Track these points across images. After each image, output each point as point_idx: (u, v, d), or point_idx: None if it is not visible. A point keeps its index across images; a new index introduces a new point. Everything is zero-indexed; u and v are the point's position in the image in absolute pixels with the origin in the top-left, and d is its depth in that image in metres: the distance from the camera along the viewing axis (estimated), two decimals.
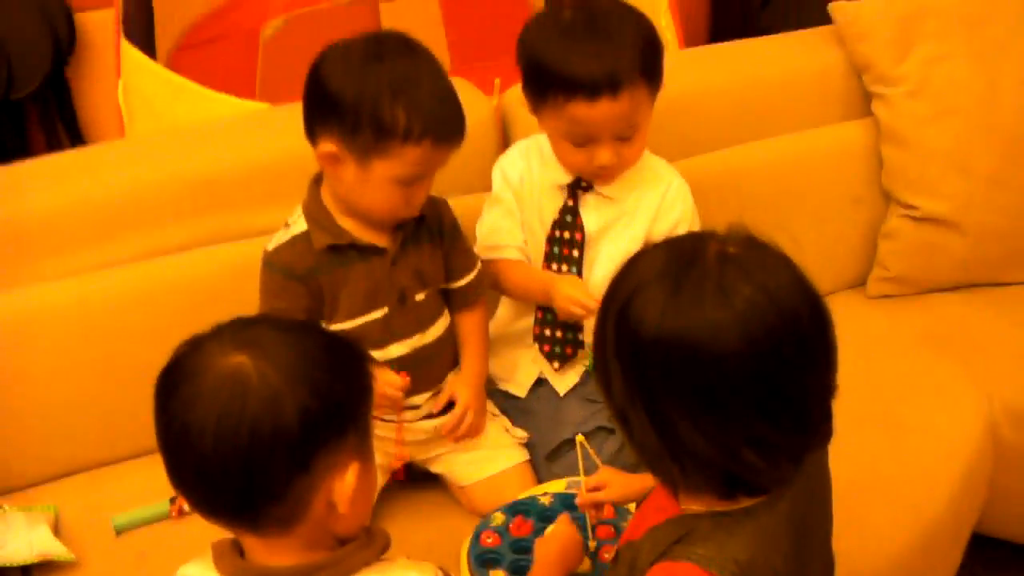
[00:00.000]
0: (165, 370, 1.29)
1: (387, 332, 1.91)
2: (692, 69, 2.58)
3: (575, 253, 2.07)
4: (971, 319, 2.46)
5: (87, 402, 2.11)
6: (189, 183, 2.17)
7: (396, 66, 1.76)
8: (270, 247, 1.89)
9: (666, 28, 2.98)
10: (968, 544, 2.24)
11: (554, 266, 2.06)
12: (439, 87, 1.79)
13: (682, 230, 2.07)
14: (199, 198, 2.17)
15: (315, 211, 1.88)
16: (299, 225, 1.88)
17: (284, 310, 1.86)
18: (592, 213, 2.08)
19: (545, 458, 2.06)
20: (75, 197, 2.14)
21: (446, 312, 2.01)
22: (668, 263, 1.22)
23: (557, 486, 1.92)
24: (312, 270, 1.86)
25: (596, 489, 1.73)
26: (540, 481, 2.02)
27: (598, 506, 1.76)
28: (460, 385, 2.00)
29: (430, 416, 2.00)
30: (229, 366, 1.22)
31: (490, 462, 2.02)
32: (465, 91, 2.24)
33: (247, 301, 2.09)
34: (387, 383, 1.83)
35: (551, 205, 2.08)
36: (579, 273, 2.08)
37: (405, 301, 1.92)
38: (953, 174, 2.48)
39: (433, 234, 1.95)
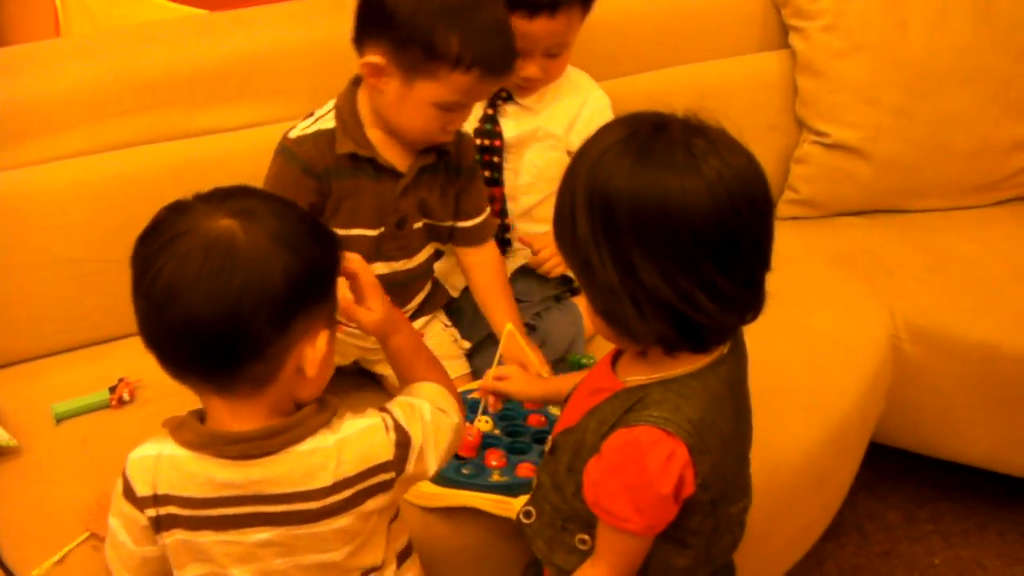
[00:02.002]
0: (149, 228, 1.31)
1: (376, 250, 1.91)
2: None
3: (495, 159, 2.16)
4: (875, 242, 2.58)
5: (26, 295, 2.12)
6: (130, 82, 2.16)
7: None
8: (292, 134, 1.85)
9: None
10: (865, 452, 2.36)
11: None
12: (496, 19, 1.76)
13: None
14: (140, 97, 2.17)
15: (347, 114, 1.84)
16: (327, 121, 1.85)
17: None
18: (511, 121, 2.16)
19: (466, 354, 2.12)
20: (14, 93, 2.12)
21: (432, 242, 2.02)
22: (635, 129, 1.30)
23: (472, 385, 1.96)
24: (328, 170, 1.84)
25: (500, 379, 1.78)
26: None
27: (497, 395, 1.80)
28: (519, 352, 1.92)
29: None
30: (218, 227, 1.26)
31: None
32: None
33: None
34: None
35: (474, 114, 2.11)
36: (499, 178, 2.16)
37: (403, 227, 1.92)
38: (863, 105, 2.59)
39: (451, 170, 1.94)
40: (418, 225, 1.94)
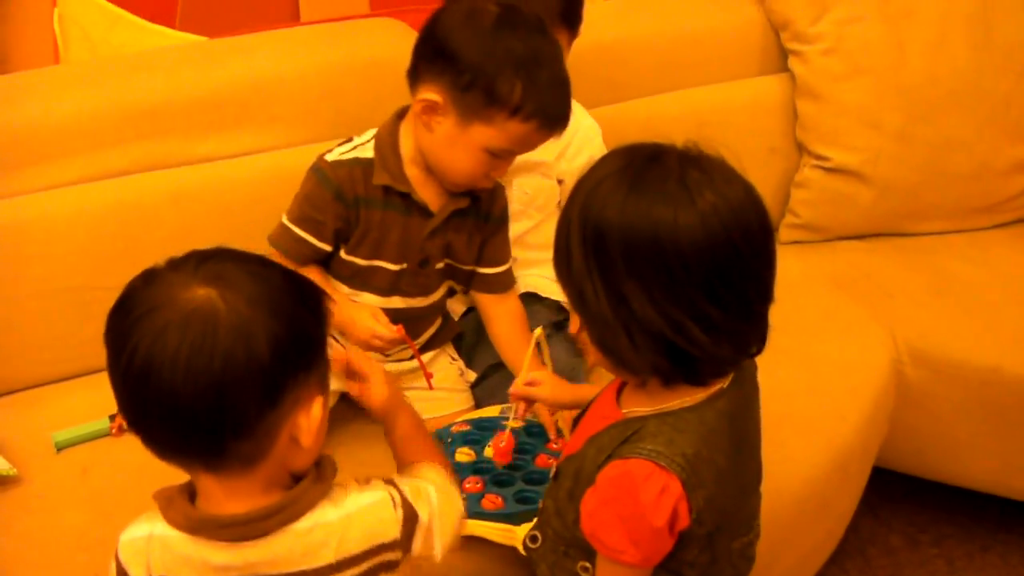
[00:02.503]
0: (120, 303, 1.22)
1: (394, 285, 1.92)
2: (618, 18, 2.65)
3: None
4: (876, 266, 2.58)
5: (25, 323, 2.11)
6: (128, 110, 2.16)
7: (528, 41, 1.71)
8: (329, 157, 1.84)
9: None
10: (869, 476, 2.35)
11: None
12: (559, 73, 1.75)
13: None
14: (140, 125, 2.16)
15: (387, 147, 1.84)
16: (366, 150, 1.84)
17: (318, 222, 1.84)
18: None
19: (471, 385, 2.12)
20: (12, 120, 2.12)
21: (448, 281, 2.02)
22: (631, 160, 1.30)
23: (491, 411, 1.96)
24: (359, 199, 1.83)
25: (531, 384, 1.77)
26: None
27: (528, 401, 1.79)
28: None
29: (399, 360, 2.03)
30: (196, 299, 1.17)
31: (439, 403, 2.04)
32: (395, 31, 2.28)
33: (185, 226, 2.16)
34: (379, 336, 1.80)
35: None
36: None
37: (425, 266, 1.92)
38: (863, 129, 2.60)
39: (479, 217, 1.94)
40: (440, 266, 1.94)
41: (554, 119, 1.75)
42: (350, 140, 1.87)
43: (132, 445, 1.90)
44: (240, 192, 2.18)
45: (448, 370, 2.11)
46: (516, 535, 1.67)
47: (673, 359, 1.29)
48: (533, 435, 1.87)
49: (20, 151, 2.11)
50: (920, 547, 2.59)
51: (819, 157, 2.63)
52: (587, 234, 1.30)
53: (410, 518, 1.35)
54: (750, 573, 1.53)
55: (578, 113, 2.19)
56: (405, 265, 1.90)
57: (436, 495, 1.41)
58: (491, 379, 2.10)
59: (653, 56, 2.62)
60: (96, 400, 2.05)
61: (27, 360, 2.13)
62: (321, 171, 1.84)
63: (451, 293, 2.12)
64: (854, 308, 2.43)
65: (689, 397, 1.36)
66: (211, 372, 1.14)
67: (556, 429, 1.86)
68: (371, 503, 1.32)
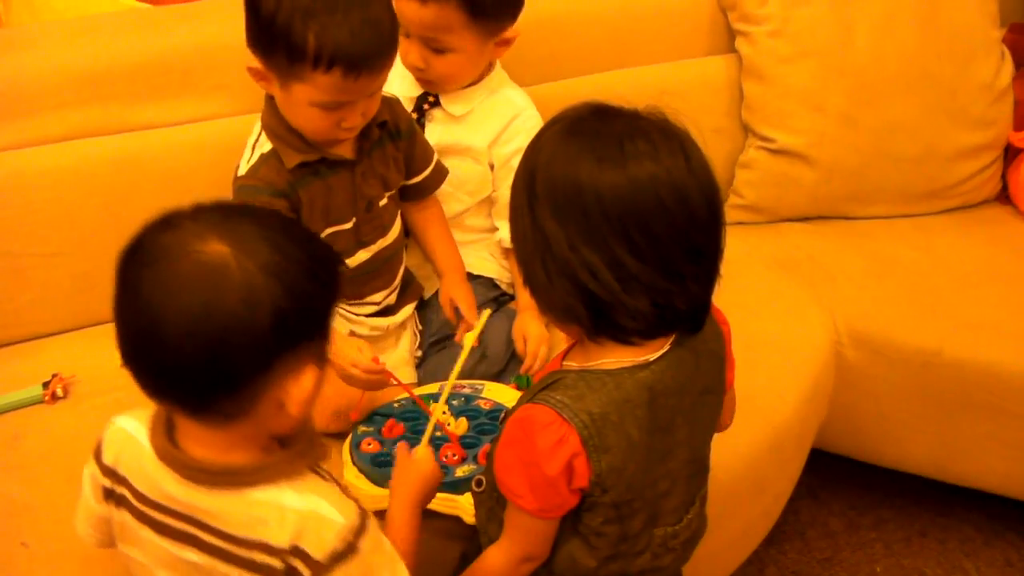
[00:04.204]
0: (135, 245, 1.22)
1: (355, 241, 1.91)
2: None
3: None
4: (819, 248, 2.58)
5: None
6: (70, 75, 2.14)
7: None
8: (242, 172, 1.80)
9: None
10: (807, 458, 2.36)
11: None
12: (358, 12, 1.66)
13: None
14: (81, 90, 2.14)
15: (278, 129, 1.79)
16: (264, 144, 1.80)
17: None
18: (437, 127, 2.14)
19: (416, 364, 2.11)
20: None
21: (399, 211, 2.02)
22: (584, 113, 1.36)
23: (430, 388, 1.93)
24: (292, 184, 1.79)
25: None
26: None
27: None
28: (456, 289, 2.01)
29: (384, 312, 2.04)
30: (209, 254, 1.17)
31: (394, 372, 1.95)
32: None
33: (125, 194, 2.15)
34: (357, 364, 1.73)
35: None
36: None
37: (371, 209, 1.91)
38: (808, 111, 2.60)
39: (394, 136, 1.92)
40: (383, 202, 1.94)
41: (358, 63, 1.66)
42: (246, 147, 1.83)
43: (64, 413, 1.96)
44: (182, 160, 2.17)
45: (409, 343, 2.11)
46: (459, 504, 1.68)
47: (588, 305, 1.30)
48: None
49: None
50: (859, 530, 2.62)
51: (764, 138, 2.63)
52: (523, 172, 1.35)
53: (340, 555, 1.26)
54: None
55: (521, 103, 2.19)
56: (354, 218, 1.89)
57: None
58: (431, 358, 2.10)
59: (599, 32, 2.60)
60: (30, 368, 2.05)
61: None
62: (244, 187, 1.79)
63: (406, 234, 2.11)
64: (796, 289, 2.43)
65: (614, 360, 1.36)
66: (210, 332, 1.16)
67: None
68: (329, 520, 1.26)
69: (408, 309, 2.09)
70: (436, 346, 2.10)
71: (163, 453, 1.28)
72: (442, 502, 1.69)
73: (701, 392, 1.45)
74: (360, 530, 1.27)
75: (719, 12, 2.71)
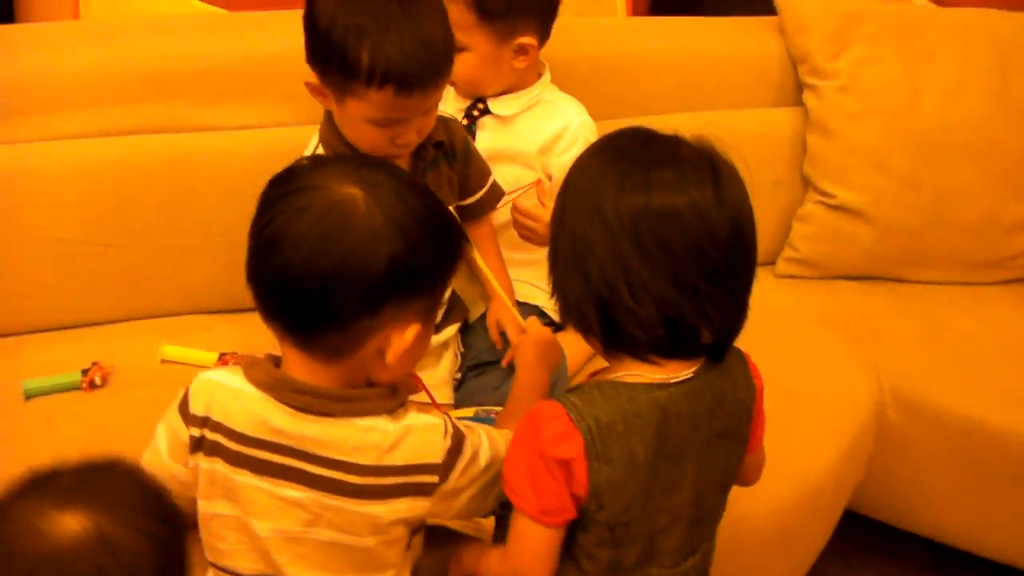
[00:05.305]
0: (283, 173, 1.35)
1: None
2: (637, 35, 2.66)
3: None
4: (870, 308, 2.56)
5: (10, 269, 2.11)
6: (138, 71, 2.16)
7: (374, 2, 1.66)
8: None
9: None
10: (840, 519, 2.33)
11: None
12: (411, 30, 1.65)
13: None
14: (146, 87, 2.17)
15: (334, 142, 1.80)
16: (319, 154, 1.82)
17: None
18: (487, 134, 2.16)
19: (455, 387, 2.10)
20: (21, 69, 2.12)
21: None
22: (627, 137, 1.40)
23: (465, 412, 1.93)
24: None
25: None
26: None
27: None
28: (504, 313, 2.00)
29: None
30: (344, 194, 1.29)
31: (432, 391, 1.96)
32: None
33: (180, 192, 2.17)
34: None
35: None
36: None
37: None
38: (870, 169, 2.58)
39: (449, 157, 1.92)
40: None
41: (410, 81, 1.65)
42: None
43: (100, 401, 1.97)
44: (239, 165, 2.18)
45: (449, 364, 2.10)
46: (483, 527, 1.67)
47: (598, 310, 1.33)
48: None
49: (27, 99, 2.11)
50: None
51: (824, 193, 2.61)
52: (563, 181, 1.40)
53: (455, 450, 1.40)
54: None
55: (570, 110, 2.21)
56: None
57: (488, 447, 1.46)
58: (470, 382, 2.10)
59: (668, 75, 2.61)
60: (72, 354, 2.06)
61: (8, 307, 2.13)
62: None
63: None
64: (842, 346, 2.41)
65: (633, 375, 1.37)
66: (327, 263, 1.26)
67: None
68: (426, 424, 1.39)
69: (452, 329, 2.08)
70: (475, 370, 2.10)
71: (271, 385, 1.35)
72: (466, 524, 1.68)
73: (719, 434, 1.43)
74: (453, 426, 1.41)
75: (789, 64, 2.70)
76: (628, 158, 1.35)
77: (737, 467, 1.52)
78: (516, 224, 2.02)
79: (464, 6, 1.98)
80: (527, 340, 1.71)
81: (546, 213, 1.94)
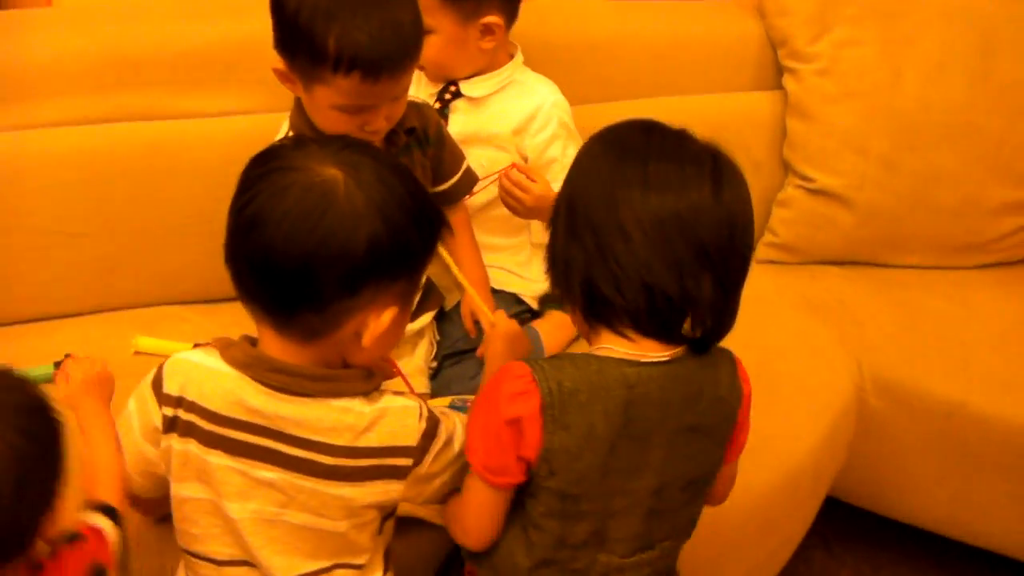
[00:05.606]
0: (265, 152, 1.36)
1: None
2: (616, 18, 2.64)
3: None
4: (850, 293, 2.55)
5: None
6: (113, 58, 2.15)
7: None
8: None
9: None
10: (822, 506, 2.32)
11: None
12: (379, 14, 1.62)
13: (556, 148, 2.16)
14: (122, 73, 2.15)
15: (304, 129, 1.77)
16: None
17: None
18: (460, 117, 2.15)
19: (431, 375, 2.10)
20: None
21: None
22: (633, 128, 1.43)
23: (442, 403, 1.91)
24: None
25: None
26: None
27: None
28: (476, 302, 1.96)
29: None
30: (324, 175, 1.29)
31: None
32: None
33: (155, 180, 2.16)
34: None
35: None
36: None
37: None
38: (850, 152, 2.58)
39: (422, 143, 1.90)
40: None
41: (377, 67, 1.62)
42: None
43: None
44: (215, 151, 2.16)
45: (425, 352, 2.09)
46: None
47: (583, 271, 1.36)
48: None
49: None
50: None
51: (804, 177, 2.61)
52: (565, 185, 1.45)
53: (430, 433, 1.41)
54: None
55: (543, 90, 2.20)
56: None
57: (462, 433, 1.47)
58: (446, 371, 2.09)
59: (648, 58, 2.61)
60: (45, 346, 2.03)
61: None
62: None
63: None
64: (823, 332, 2.40)
65: (607, 349, 1.38)
66: (307, 243, 1.26)
67: None
68: (402, 407, 1.40)
69: (427, 317, 2.07)
70: (451, 359, 2.09)
71: (247, 364, 1.35)
72: (435, 513, 1.68)
73: (692, 427, 1.42)
74: (428, 410, 1.42)
75: (769, 47, 2.70)
76: (630, 150, 1.37)
77: (711, 469, 1.50)
78: (504, 192, 2.01)
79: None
80: (495, 334, 1.70)
81: (535, 187, 1.96)
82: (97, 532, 1.32)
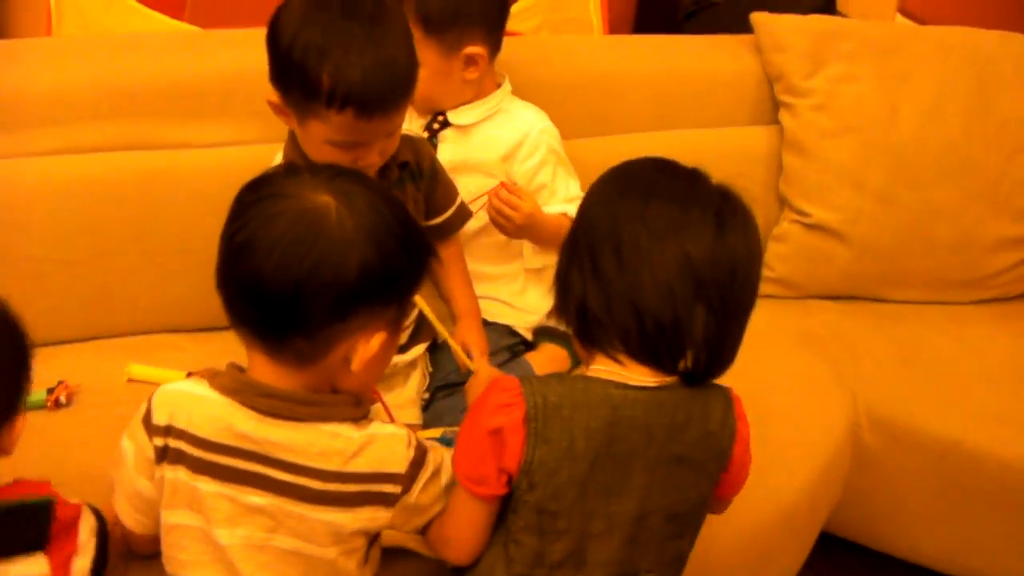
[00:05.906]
0: (257, 180, 1.38)
1: None
2: (613, 54, 2.66)
3: None
4: (846, 328, 2.55)
5: None
6: (109, 88, 2.16)
7: (331, 25, 1.62)
8: None
9: (593, 13, 3.04)
10: (817, 541, 2.30)
11: None
12: (373, 52, 1.62)
13: (546, 173, 2.17)
14: (118, 103, 2.15)
15: (297, 159, 1.76)
16: None
17: None
18: (448, 146, 2.15)
19: (423, 407, 2.09)
20: None
21: None
22: (643, 167, 1.48)
23: (433, 434, 1.91)
24: None
25: None
26: None
27: None
28: (470, 335, 1.99)
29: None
30: (316, 202, 1.31)
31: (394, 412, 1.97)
32: None
33: (150, 210, 2.16)
34: None
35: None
36: None
37: None
38: (846, 187, 2.58)
39: (416, 176, 1.89)
40: None
41: (370, 105, 1.62)
42: None
43: (65, 420, 1.95)
44: (209, 182, 2.16)
45: (416, 383, 2.08)
46: None
47: (580, 297, 1.40)
48: None
49: None
50: None
51: (800, 212, 2.61)
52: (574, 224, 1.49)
53: (418, 461, 1.42)
54: None
55: (530, 116, 2.21)
56: None
57: (450, 467, 1.47)
58: (439, 403, 2.08)
59: (644, 93, 2.61)
60: (38, 373, 1.94)
61: None
62: None
63: None
64: (818, 367, 2.38)
65: (595, 371, 1.41)
66: (297, 270, 1.28)
67: None
68: (390, 434, 1.41)
69: (419, 349, 2.06)
70: (444, 390, 2.08)
71: (236, 390, 1.36)
72: (423, 543, 1.65)
73: (677, 457, 1.42)
74: (418, 440, 1.43)
75: (765, 83, 2.70)
76: (635, 186, 1.43)
77: (697, 504, 1.50)
78: (493, 212, 2.03)
79: (409, 21, 1.96)
80: (477, 381, 1.73)
81: (524, 204, 1.99)
82: (75, 506, 1.39)
